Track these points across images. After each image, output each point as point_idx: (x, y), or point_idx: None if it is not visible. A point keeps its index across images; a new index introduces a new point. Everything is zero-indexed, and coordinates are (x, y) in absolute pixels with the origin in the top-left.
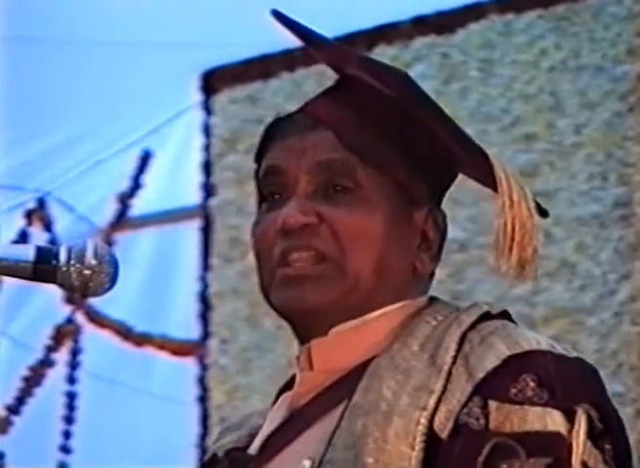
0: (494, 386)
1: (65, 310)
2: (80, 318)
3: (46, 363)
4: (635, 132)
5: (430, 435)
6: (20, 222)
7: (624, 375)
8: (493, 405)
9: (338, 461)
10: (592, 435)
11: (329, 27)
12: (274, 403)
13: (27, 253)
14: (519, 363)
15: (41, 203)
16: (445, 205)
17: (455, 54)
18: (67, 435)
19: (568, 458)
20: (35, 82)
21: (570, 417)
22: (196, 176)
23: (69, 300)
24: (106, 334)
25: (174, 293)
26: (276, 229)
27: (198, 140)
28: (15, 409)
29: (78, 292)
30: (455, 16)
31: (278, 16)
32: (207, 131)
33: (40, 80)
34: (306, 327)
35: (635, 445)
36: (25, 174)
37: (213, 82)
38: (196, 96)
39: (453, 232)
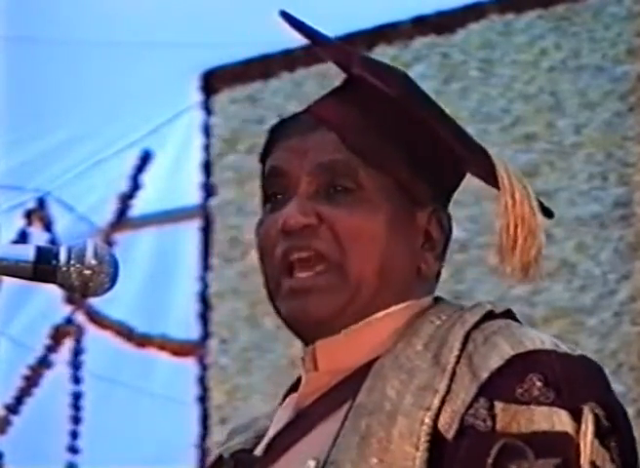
0: (499, 387)
1: (66, 310)
2: (81, 318)
3: (45, 363)
4: (635, 132)
5: (435, 435)
6: (20, 222)
7: (624, 375)
8: (499, 406)
9: (342, 461)
10: (599, 433)
11: (329, 27)
12: (281, 404)
13: (27, 253)
14: (524, 362)
15: (41, 203)
16: None
17: (455, 54)
18: (75, 435)
19: (576, 458)
20: (35, 82)
21: (576, 416)
22: (196, 176)
23: (70, 301)
24: (107, 335)
25: (174, 293)
26: (277, 230)
27: (198, 140)
28: (14, 408)
29: (78, 293)
30: (455, 16)
31: (286, 16)
32: (207, 131)
33: (40, 80)
34: (312, 334)
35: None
36: (25, 174)
37: (213, 82)
38: (196, 96)
39: (453, 232)
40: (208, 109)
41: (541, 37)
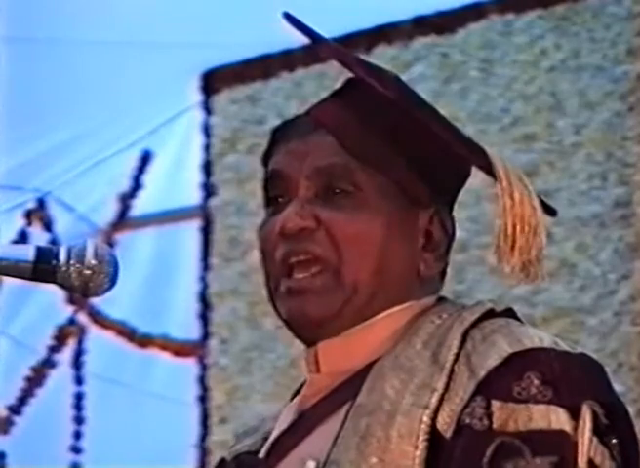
0: (496, 385)
1: (66, 310)
2: (83, 319)
3: (48, 363)
4: (635, 132)
5: (434, 434)
6: (20, 222)
7: (624, 375)
8: (496, 404)
9: (342, 461)
10: (598, 431)
11: (329, 27)
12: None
13: (27, 253)
14: (522, 361)
15: (41, 203)
16: None
17: (455, 54)
18: (77, 435)
19: (574, 456)
20: (35, 82)
21: (575, 414)
22: (196, 176)
23: (71, 301)
24: (109, 335)
25: (174, 294)
26: (276, 233)
27: (198, 140)
28: (16, 409)
29: (78, 293)
30: (455, 16)
31: (289, 18)
32: (207, 131)
33: (40, 80)
34: (312, 335)
35: None
36: (25, 174)
37: (213, 82)
38: (196, 96)
39: None
40: (208, 109)
41: (541, 37)
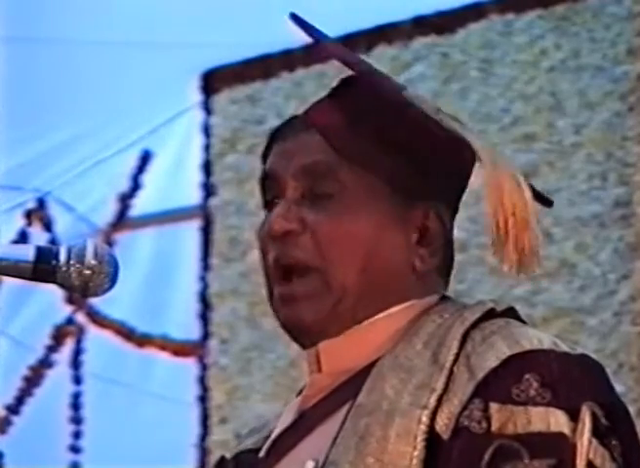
0: (495, 387)
1: (66, 310)
2: (82, 318)
3: (46, 363)
4: (635, 132)
5: (432, 434)
6: (20, 222)
7: (624, 375)
8: (494, 407)
9: (340, 462)
10: (598, 433)
11: (329, 27)
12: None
13: (27, 253)
14: (520, 363)
15: (41, 203)
16: None
17: (455, 54)
18: (77, 435)
19: (572, 459)
20: (35, 82)
21: (574, 416)
22: (196, 176)
23: (70, 301)
24: (108, 335)
25: (174, 294)
26: (266, 235)
27: (198, 140)
28: (14, 408)
29: (78, 292)
30: (455, 16)
31: (295, 19)
32: (207, 131)
33: (40, 80)
34: (310, 339)
35: None
36: (25, 174)
37: (213, 82)
38: (196, 96)
39: (454, 232)
40: (208, 109)
41: (541, 37)
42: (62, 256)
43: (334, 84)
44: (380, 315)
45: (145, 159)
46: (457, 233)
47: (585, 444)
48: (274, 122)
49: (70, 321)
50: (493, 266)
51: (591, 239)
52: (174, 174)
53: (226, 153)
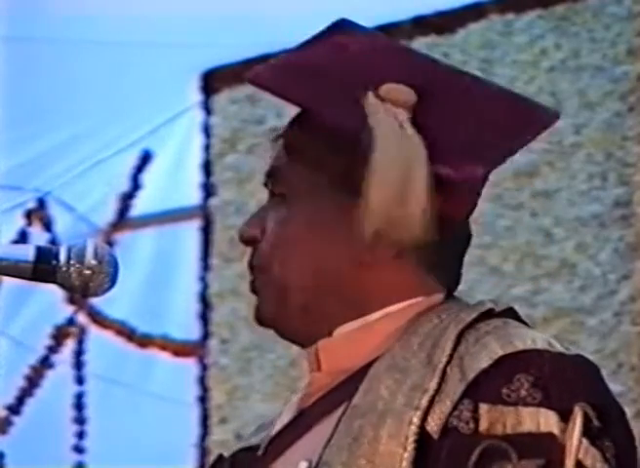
0: (485, 388)
1: (66, 310)
2: (83, 319)
3: (47, 363)
4: (635, 132)
5: (423, 435)
6: (20, 222)
7: (624, 375)
8: (484, 407)
9: (333, 463)
10: (590, 434)
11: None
12: None
13: (27, 253)
14: (512, 363)
15: (41, 203)
16: None
17: (455, 54)
18: (81, 435)
19: (562, 459)
20: (35, 82)
21: (565, 417)
22: (196, 176)
23: (71, 301)
24: (108, 335)
25: (174, 294)
26: None
27: (198, 140)
28: (15, 409)
29: (78, 293)
30: (455, 16)
31: (346, 23)
32: (207, 131)
33: (40, 80)
34: (283, 336)
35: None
36: (25, 174)
37: (213, 82)
38: (196, 96)
39: None
40: (208, 109)
41: (541, 37)
42: (62, 256)
43: None
44: (376, 314)
45: (145, 159)
46: None
47: (575, 444)
48: (274, 122)
49: (71, 321)
50: (493, 266)
51: (591, 239)
52: (174, 174)
53: (226, 153)
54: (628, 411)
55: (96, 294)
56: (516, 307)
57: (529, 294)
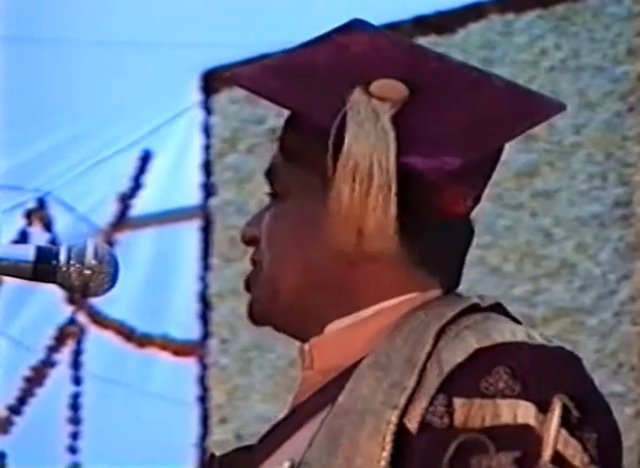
0: (460, 381)
1: (66, 310)
2: (82, 319)
3: (47, 363)
4: (635, 132)
5: (402, 434)
6: (20, 222)
7: (624, 375)
8: (458, 402)
9: (313, 463)
10: (569, 425)
11: (328, 27)
12: None
13: (27, 253)
14: (490, 356)
15: (41, 203)
16: None
17: (455, 54)
18: (75, 436)
19: (539, 451)
20: (35, 82)
21: (544, 408)
22: (196, 176)
23: (71, 301)
24: (108, 335)
25: (174, 293)
26: None
27: (198, 140)
28: (16, 409)
29: (78, 293)
30: (455, 16)
31: (361, 23)
32: (207, 131)
33: (40, 80)
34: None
35: (636, 444)
36: (25, 174)
37: (213, 82)
38: (196, 96)
39: None
40: (208, 109)
41: (541, 37)
42: (62, 256)
43: None
44: (368, 311)
45: (145, 159)
46: None
47: (552, 435)
48: (274, 122)
49: (71, 321)
50: (493, 266)
51: (591, 239)
52: (174, 174)
53: (226, 153)
54: (629, 411)
55: (96, 294)
56: (516, 307)
57: (529, 294)
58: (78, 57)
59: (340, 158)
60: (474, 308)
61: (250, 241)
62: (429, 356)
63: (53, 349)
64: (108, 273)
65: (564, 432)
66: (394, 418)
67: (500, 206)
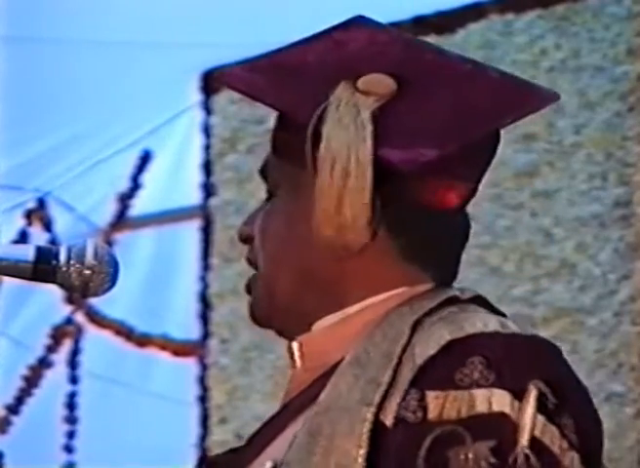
0: (433, 374)
1: (66, 310)
2: (81, 318)
3: (45, 363)
4: (635, 132)
5: (378, 431)
6: (20, 222)
7: (624, 375)
8: (431, 395)
9: (292, 462)
10: (546, 411)
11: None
12: None
13: (27, 253)
14: (463, 347)
15: (41, 203)
16: None
17: None
18: (71, 435)
19: (515, 439)
20: (35, 82)
21: (519, 396)
22: (196, 176)
23: (70, 301)
24: (108, 335)
25: (174, 293)
26: None
27: (198, 140)
28: (14, 408)
29: (78, 292)
30: (455, 16)
31: (363, 20)
32: (207, 131)
33: (40, 80)
34: (284, 334)
35: (636, 444)
36: (25, 174)
37: (213, 82)
38: (196, 96)
39: None
40: (208, 109)
41: (541, 37)
42: (62, 256)
43: None
44: (354, 307)
45: (145, 159)
46: None
47: (528, 422)
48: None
49: (69, 321)
50: (493, 266)
51: (591, 239)
52: (174, 174)
53: (226, 153)
54: (629, 411)
55: (96, 294)
56: (516, 307)
57: (529, 294)
58: (78, 57)
59: (319, 152)
60: (453, 300)
61: (245, 239)
62: (404, 350)
63: (50, 349)
64: (108, 273)
65: (541, 418)
66: (369, 415)
67: (500, 206)
